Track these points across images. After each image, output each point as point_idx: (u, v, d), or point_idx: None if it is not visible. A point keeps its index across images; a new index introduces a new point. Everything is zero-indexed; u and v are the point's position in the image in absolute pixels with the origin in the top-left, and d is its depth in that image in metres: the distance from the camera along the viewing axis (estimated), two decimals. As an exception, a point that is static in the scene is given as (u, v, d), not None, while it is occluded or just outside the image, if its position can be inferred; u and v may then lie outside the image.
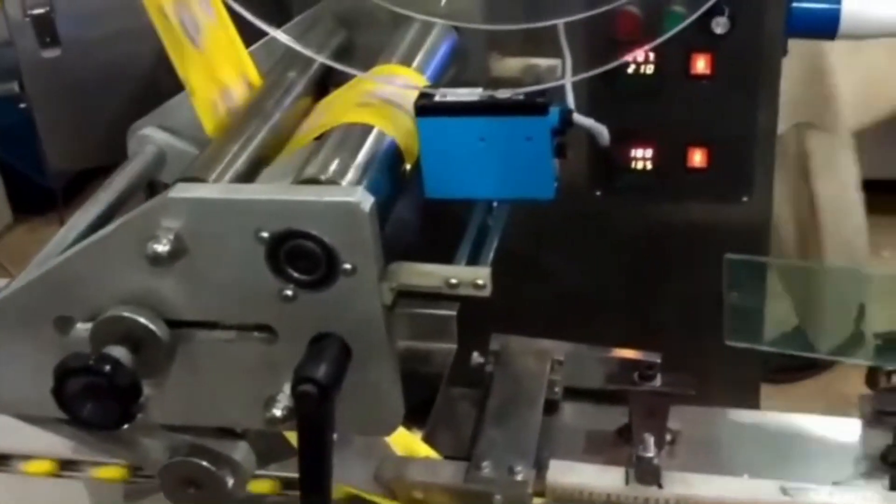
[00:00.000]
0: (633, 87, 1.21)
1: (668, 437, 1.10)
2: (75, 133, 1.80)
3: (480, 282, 0.76)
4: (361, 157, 0.81)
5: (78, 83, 1.79)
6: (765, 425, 1.16)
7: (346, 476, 0.99)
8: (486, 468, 1.02)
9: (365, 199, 0.72)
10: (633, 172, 1.26)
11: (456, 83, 1.04)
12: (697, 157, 1.24)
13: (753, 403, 1.36)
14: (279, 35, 0.86)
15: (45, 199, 2.25)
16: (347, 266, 0.73)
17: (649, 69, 1.20)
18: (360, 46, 1.03)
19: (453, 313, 1.24)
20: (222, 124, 0.90)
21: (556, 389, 1.16)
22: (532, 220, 1.35)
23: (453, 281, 0.77)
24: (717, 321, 1.17)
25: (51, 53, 1.80)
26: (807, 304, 1.66)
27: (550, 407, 1.16)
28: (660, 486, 0.99)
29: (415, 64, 0.95)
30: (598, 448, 1.11)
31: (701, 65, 1.19)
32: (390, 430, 0.83)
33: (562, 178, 0.87)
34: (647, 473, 0.99)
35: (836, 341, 1.23)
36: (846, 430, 1.10)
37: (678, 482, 1.00)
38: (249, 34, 0.92)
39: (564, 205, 1.33)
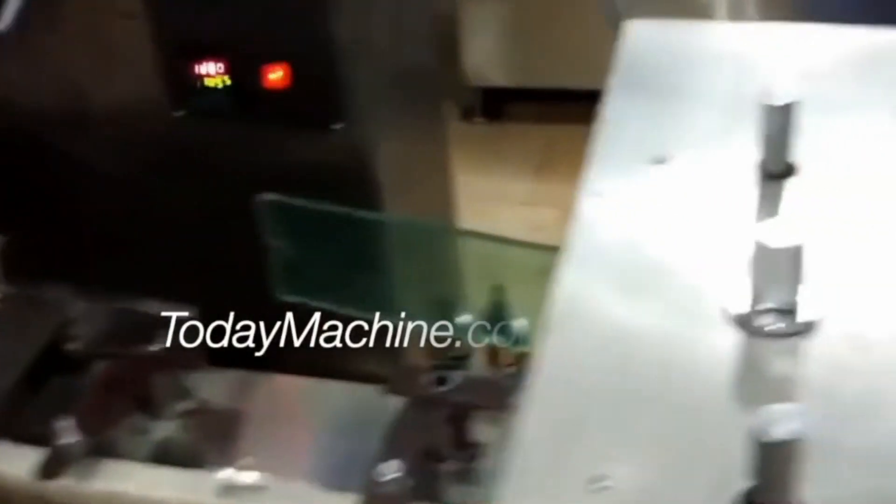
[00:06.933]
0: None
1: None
2: None
3: None
4: None
5: None
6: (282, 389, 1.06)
7: None
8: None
9: None
10: (208, 91, 1.13)
11: None
12: (275, 75, 1.11)
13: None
14: None
15: None
16: None
17: (216, -26, 1.07)
18: None
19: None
20: None
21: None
22: (115, 142, 1.22)
23: None
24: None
25: None
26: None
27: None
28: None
29: None
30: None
31: (271, -32, 1.06)
32: None
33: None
34: (54, 465, 0.84)
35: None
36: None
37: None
38: None
39: (145, 125, 1.21)
